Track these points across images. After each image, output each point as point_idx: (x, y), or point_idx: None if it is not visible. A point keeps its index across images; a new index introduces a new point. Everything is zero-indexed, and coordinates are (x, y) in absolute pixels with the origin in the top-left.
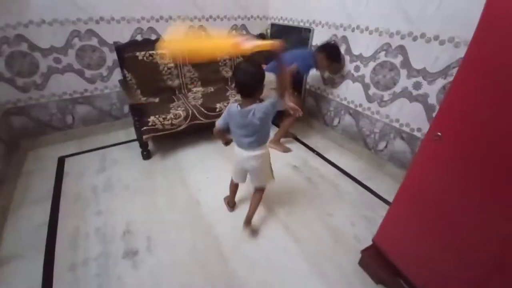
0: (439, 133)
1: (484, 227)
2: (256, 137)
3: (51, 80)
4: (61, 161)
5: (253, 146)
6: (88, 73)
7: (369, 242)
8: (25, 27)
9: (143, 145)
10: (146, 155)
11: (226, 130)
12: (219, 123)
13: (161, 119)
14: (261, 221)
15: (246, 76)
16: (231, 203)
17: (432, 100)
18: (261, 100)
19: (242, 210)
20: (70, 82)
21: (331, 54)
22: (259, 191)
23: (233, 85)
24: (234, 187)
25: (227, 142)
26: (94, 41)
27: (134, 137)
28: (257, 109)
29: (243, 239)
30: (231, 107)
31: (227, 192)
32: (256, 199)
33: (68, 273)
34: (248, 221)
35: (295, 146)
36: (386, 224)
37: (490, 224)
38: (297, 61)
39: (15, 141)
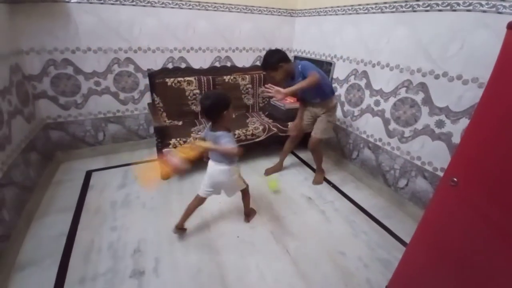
0: (455, 179)
1: (508, 275)
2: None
3: (90, 100)
4: (88, 175)
5: (217, 160)
6: (122, 95)
7: None
8: (72, 52)
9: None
10: (165, 175)
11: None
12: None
13: (181, 142)
14: (270, 251)
15: (204, 102)
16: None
17: (456, 139)
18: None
19: (253, 238)
20: (106, 103)
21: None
22: (243, 192)
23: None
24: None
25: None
26: (130, 68)
27: (156, 157)
28: (222, 138)
29: (249, 270)
30: (207, 127)
31: (237, 218)
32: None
33: (77, 287)
34: (247, 215)
35: (310, 177)
36: (401, 270)
37: None
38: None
39: (50, 153)
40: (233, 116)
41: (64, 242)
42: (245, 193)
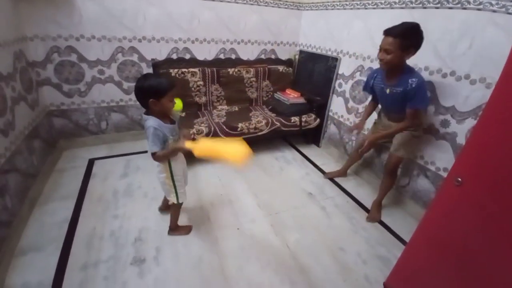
0: (459, 179)
1: (510, 276)
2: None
3: (93, 88)
4: (90, 163)
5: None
6: (125, 85)
7: (380, 285)
8: (76, 40)
9: None
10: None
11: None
12: None
13: None
14: (270, 244)
15: (136, 84)
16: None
17: (461, 139)
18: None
19: (253, 231)
20: (109, 92)
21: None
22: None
23: None
24: None
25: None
26: (134, 57)
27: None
28: (146, 124)
29: (248, 260)
30: None
31: (239, 210)
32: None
33: (79, 273)
34: (170, 229)
35: (312, 172)
36: (400, 267)
37: None
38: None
39: (54, 140)
40: (171, 107)
41: (67, 228)
42: (172, 206)
